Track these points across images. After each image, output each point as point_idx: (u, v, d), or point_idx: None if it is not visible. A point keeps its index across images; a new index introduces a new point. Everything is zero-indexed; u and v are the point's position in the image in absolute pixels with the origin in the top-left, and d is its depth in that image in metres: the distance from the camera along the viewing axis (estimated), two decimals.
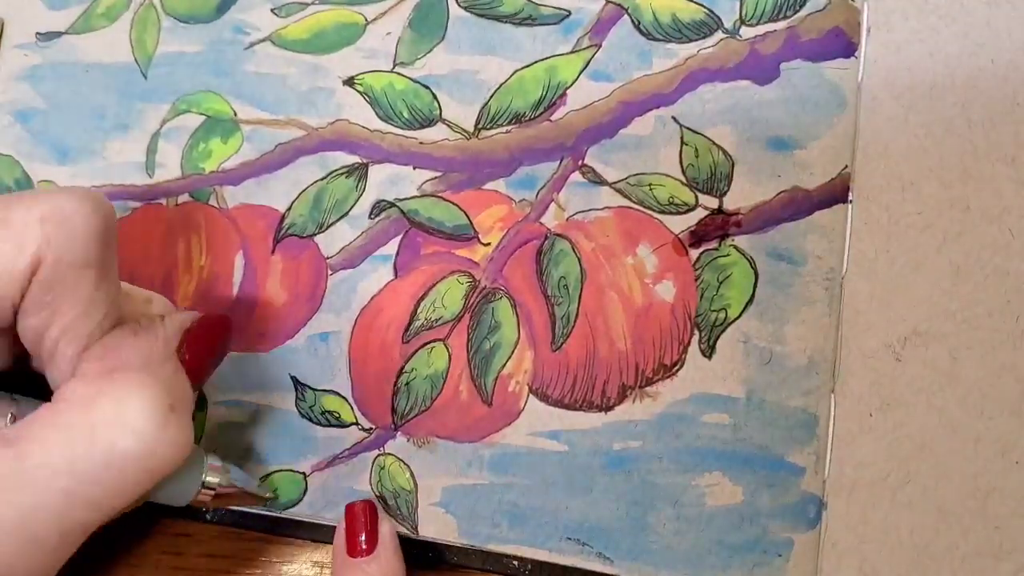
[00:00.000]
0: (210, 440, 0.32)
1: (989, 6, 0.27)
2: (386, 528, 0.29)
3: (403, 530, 0.30)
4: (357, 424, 0.31)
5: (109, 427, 0.22)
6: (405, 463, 0.30)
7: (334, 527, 0.30)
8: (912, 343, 0.27)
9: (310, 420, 0.31)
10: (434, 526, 0.30)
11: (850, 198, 0.28)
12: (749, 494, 0.28)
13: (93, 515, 0.23)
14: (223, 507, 0.31)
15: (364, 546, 0.29)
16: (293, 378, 0.31)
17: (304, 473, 0.31)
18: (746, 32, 0.29)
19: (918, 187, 0.27)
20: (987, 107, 0.27)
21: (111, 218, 0.24)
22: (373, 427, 0.31)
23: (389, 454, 0.30)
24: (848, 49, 0.28)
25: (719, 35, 0.29)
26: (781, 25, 0.28)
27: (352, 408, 0.31)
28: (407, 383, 0.31)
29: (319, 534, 0.31)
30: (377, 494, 0.30)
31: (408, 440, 0.30)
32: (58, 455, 0.22)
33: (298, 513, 0.31)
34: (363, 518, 0.29)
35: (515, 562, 0.30)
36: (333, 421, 0.31)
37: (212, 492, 0.27)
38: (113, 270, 0.25)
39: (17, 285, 0.23)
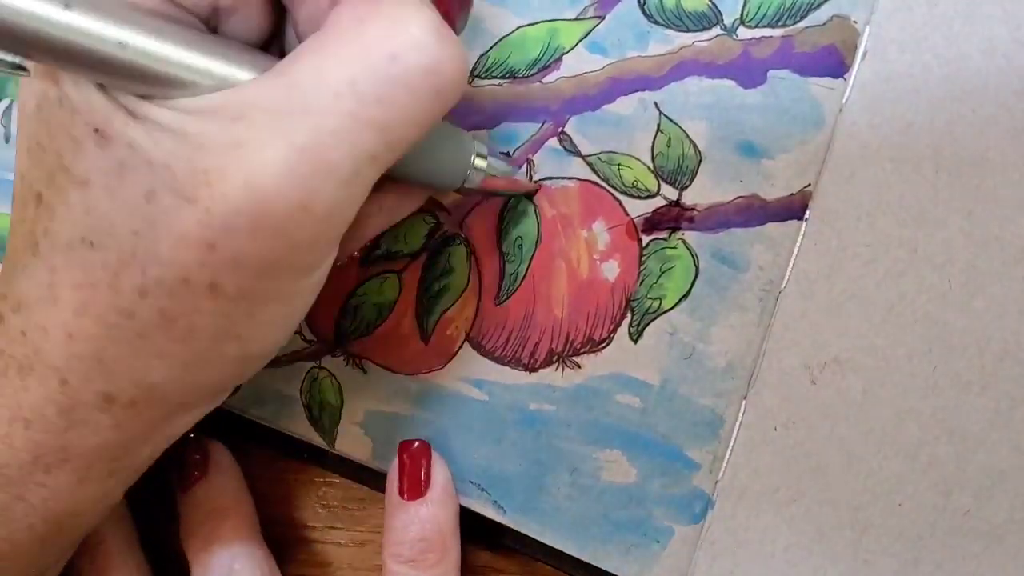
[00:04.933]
0: None
1: (984, 55, 0.27)
2: (440, 472, 0.30)
3: (320, 442, 0.31)
4: (300, 334, 0.32)
5: (388, 41, 0.20)
6: (336, 379, 0.32)
7: (262, 424, 0.32)
8: (830, 369, 0.27)
9: None
10: (351, 444, 0.31)
11: (805, 216, 0.28)
12: (643, 477, 0.29)
13: (382, 144, 0.21)
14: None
15: (417, 487, 0.29)
16: None
17: None
18: (743, 33, 0.29)
19: (873, 220, 0.27)
20: (957, 156, 0.27)
21: None
22: (315, 340, 0.32)
23: (324, 368, 0.32)
24: (839, 69, 0.28)
25: (716, 31, 0.29)
26: (778, 32, 0.28)
27: None
28: (355, 306, 0.32)
29: (246, 428, 0.33)
30: (304, 403, 0.32)
31: (345, 359, 0.32)
32: (336, 76, 0.20)
33: (228, 404, 0.32)
34: (418, 460, 0.30)
35: None
36: None
37: (483, 172, 0.27)
38: None
39: None
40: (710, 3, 0.29)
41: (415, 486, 0.29)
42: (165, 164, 0.20)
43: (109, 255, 0.21)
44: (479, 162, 0.27)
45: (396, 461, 0.30)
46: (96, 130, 0.21)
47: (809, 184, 0.28)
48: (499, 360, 0.30)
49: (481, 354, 0.31)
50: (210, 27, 0.23)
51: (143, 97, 0.21)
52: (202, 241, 0.20)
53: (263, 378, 0.32)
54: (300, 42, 0.22)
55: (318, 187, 0.20)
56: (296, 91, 0.20)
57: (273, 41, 0.25)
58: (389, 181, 0.25)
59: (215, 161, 0.20)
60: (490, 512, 0.30)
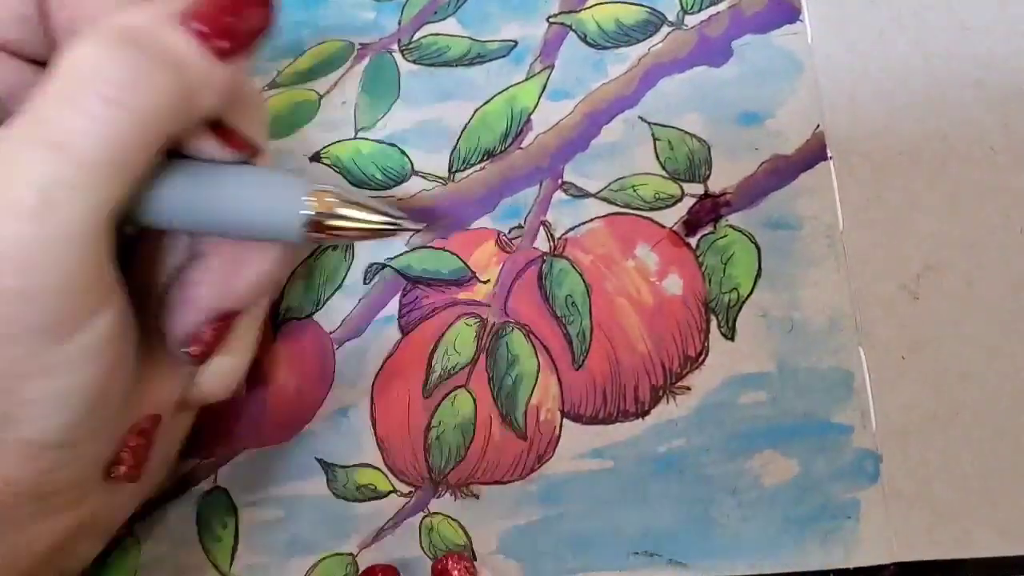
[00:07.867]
0: (248, 541, 0.31)
1: None
2: None
3: None
4: (395, 491, 0.30)
5: None
6: (453, 518, 0.29)
7: None
8: (925, 279, 0.27)
9: (346, 499, 0.30)
10: (501, 574, 0.29)
11: (829, 154, 0.28)
12: (804, 464, 0.27)
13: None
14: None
15: None
16: (319, 460, 0.31)
17: (352, 554, 0.30)
18: (691, 20, 0.29)
19: (892, 128, 0.28)
20: (940, 38, 0.28)
21: None
22: (412, 490, 0.30)
23: (435, 513, 0.30)
24: (792, 14, 0.29)
25: (665, 29, 0.30)
26: (723, 6, 0.29)
27: (387, 476, 0.30)
28: (437, 437, 0.30)
29: None
30: (431, 556, 0.29)
31: (451, 494, 0.30)
32: None
33: None
34: None
35: None
36: (370, 494, 0.30)
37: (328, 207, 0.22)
38: None
39: None
40: (648, 9, 0.30)
41: None
42: None
43: None
44: (310, 199, 0.22)
45: None
46: None
47: (818, 125, 0.28)
48: (605, 421, 0.29)
49: (584, 424, 0.29)
50: None
51: None
52: None
53: (380, 554, 0.30)
54: None
55: None
56: None
57: None
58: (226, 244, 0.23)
59: None
60: (670, 573, 0.28)
